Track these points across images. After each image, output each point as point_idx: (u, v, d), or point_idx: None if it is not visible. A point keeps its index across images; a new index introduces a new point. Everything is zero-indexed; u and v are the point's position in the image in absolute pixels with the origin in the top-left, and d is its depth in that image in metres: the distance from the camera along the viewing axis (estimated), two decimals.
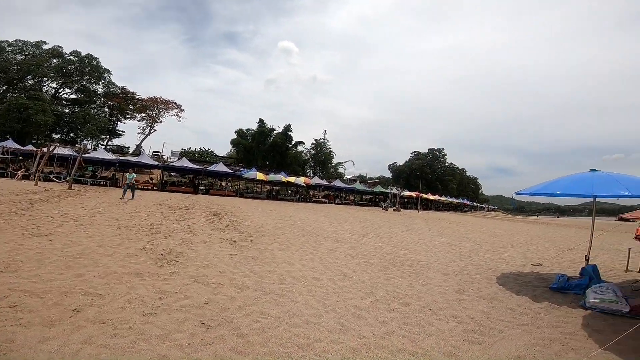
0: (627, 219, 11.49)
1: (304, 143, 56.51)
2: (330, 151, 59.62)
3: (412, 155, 76.24)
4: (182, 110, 53.89)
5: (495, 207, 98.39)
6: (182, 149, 53.54)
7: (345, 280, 5.75)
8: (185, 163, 28.98)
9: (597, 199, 6.04)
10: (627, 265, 8.07)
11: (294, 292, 4.82)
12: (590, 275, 5.51)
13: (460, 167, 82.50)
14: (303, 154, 57.70)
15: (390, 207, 33.05)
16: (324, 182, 36.50)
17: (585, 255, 6.60)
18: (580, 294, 5.24)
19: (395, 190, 37.75)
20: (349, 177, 59.44)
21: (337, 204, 33.64)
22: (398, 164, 76.66)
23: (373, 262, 7.40)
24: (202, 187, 29.91)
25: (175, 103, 53.34)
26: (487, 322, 4.14)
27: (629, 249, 8.49)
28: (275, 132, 52.42)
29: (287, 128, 52.32)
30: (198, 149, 57.71)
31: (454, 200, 60.77)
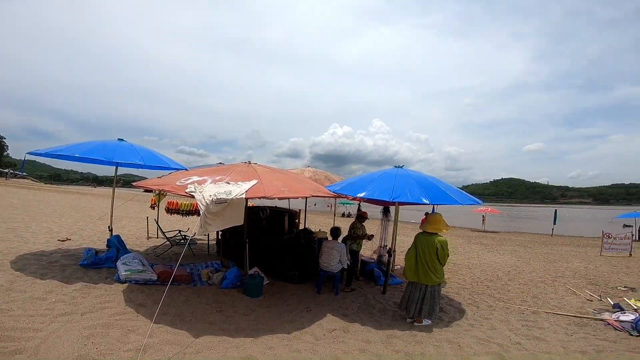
0: (149, 191, 13.80)
1: None
2: None
3: None
4: None
5: (26, 173, 79.72)
6: None
7: None
8: None
9: (129, 169, 6.39)
10: (148, 233, 9.60)
11: None
12: (117, 246, 5.93)
13: None
14: None
15: None
16: None
17: (109, 226, 6.80)
18: (113, 267, 5.46)
19: None
20: None
21: None
22: None
23: None
24: None
25: None
26: None
27: (147, 217, 10.11)
28: None
29: None
30: None
31: None
